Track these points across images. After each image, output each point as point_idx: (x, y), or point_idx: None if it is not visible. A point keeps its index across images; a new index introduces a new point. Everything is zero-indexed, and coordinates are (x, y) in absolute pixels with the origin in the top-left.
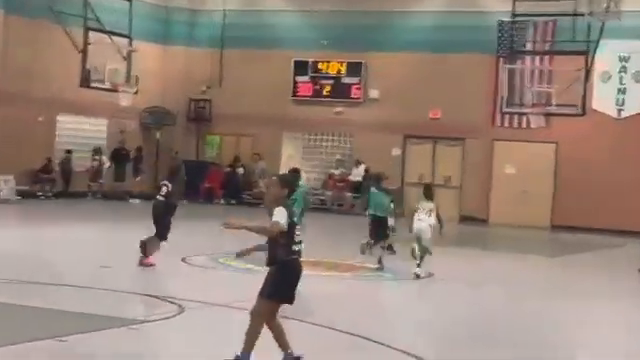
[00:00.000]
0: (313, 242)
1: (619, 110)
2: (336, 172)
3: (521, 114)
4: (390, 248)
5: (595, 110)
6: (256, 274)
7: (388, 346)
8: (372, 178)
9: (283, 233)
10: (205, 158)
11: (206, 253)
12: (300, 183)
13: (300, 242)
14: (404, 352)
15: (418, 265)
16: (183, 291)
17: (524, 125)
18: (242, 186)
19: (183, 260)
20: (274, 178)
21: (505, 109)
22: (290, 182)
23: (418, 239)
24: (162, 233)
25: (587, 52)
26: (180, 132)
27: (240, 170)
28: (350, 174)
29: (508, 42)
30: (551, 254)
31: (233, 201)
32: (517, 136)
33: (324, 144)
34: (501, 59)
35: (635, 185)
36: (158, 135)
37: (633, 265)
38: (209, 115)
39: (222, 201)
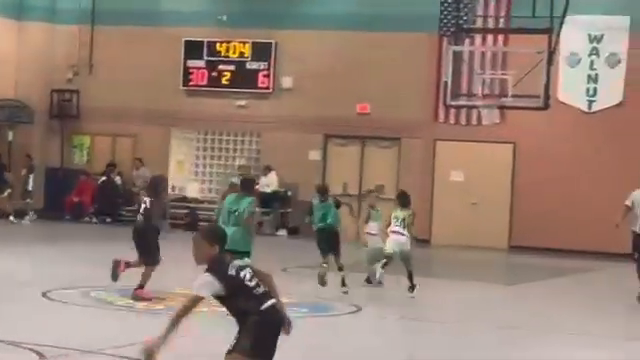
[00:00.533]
0: None
1: (590, 102)
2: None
3: (470, 107)
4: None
5: (561, 102)
6: (138, 313)
7: None
8: (317, 190)
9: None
10: (72, 165)
11: (74, 286)
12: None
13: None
14: None
15: (382, 268)
16: (42, 335)
17: (474, 121)
18: (119, 200)
19: (44, 295)
20: (196, 235)
21: (450, 101)
22: (218, 237)
23: (398, 253)
24: (150, 258)
25: (550, 30)
26: (39, 132)
27: (117, 179)
28: (258, 183)
29: (454, 18)
30: (509, 281)
31: (108, 219)
32: (465, 135)
33: (224, 146)
34: (445, 39)
35: (612, 195)
36: (10, 136)
37: (619, 294)
38: (76, 110)
39: (94, 219)
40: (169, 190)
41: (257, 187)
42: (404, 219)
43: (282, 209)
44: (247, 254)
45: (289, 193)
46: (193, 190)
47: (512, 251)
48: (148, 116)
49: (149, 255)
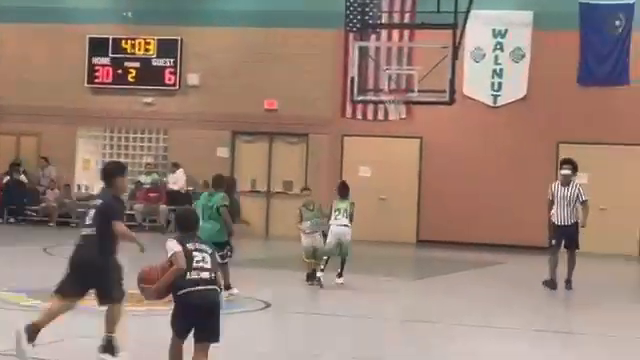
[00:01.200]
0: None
1: (495, 97)
2: (147, 179)
3: (377, 103)
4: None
5: (466, 97)
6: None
7: None
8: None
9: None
10: None
11: None
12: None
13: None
14: None
15: (322, 270)
16: None
17: (380, 116)
18: (25, 199)
19: None
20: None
21: (357, 97)
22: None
23: (338, 245)
24: None
25: (455, 25)
26: None
27: (22, 178)
28: (165, 181)
29: (359, 14)
30: (417, 275)
31: (12, 219)
32: (372, 130)
33: (131, 144)
34: (351, 35)
35: (517, 188)
36: None
37: (525, 286)
38: None
39: None
40: (75, 189)
41: (167, 185)
42: (346, 209)
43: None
44: (225, 244)
45: (197, 191)
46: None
47: (420, 245)
48: (53, 114)
49: None
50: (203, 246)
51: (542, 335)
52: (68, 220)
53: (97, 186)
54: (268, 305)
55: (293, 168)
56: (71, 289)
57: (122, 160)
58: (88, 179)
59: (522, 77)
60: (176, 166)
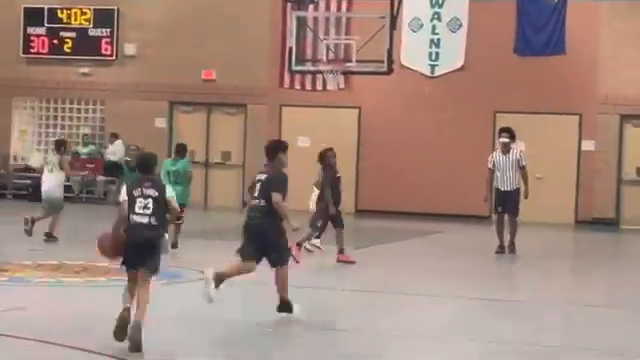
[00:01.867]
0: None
1: (432, 66)
2: (84, 150)
3: (315, 73)
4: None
5: (404, 67)
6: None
7: None
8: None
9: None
10: None
11: None
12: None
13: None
14: None
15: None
16: None
17: (319, 87)
18: None
19: None
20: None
21: (295, 67)
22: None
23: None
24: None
25: None
26: None
27: None
28: (103, 152)
29: None
30: (356, 245)
31: None
32: (311, 100)
33: (67, 114)
34: (289, 4)
35: (456, 157)
36: None
37: (464, 254)
38: None
39: None
40: (11, 160)
41: (105, 156)
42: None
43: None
44: (184, 206)
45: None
46: (37, 160)
47: (359, 215)
48: None
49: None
50: (150, 191)
51: (481, 303)
52: (4, 192)
53: (33, 157)
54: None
55: (231, 139)
56: (248, 253)
57: (59, 131)
58: (24, 150)
59: (459, 47)
60: (115, 137)
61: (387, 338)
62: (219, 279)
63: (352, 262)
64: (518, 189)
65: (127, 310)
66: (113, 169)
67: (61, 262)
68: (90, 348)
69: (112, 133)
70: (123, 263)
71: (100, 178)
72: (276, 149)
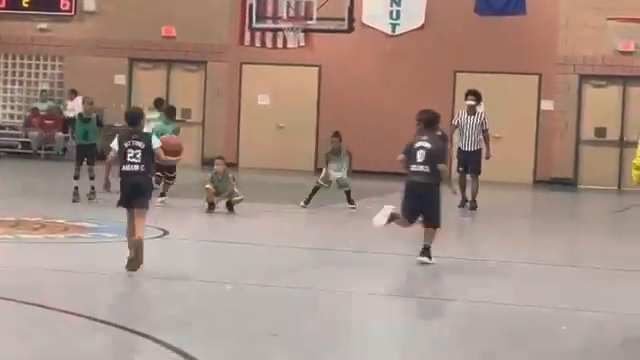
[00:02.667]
0: (13, 197)
1: (393, 25)
2: (42, 106)
3: (275, 31)
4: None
5: (365, 25)
6: None
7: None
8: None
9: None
10: None
11: None
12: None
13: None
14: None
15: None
16: None
17: (279, 44)
18: None
19: None
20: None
21: (255, 24)
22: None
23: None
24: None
25: None
26: None
27: None
28: (62, 108)
29: None
30: (318, 203)
31: None
32: (271, 58)
33: (26, 70)
34: None
35: (414, 116)
36: None
37: None
38: None
39: None
40: None
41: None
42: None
43: None
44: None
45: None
46: None
47: (317, 174)
48: None
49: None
50: (138, 143)
51: (440, 261)
52: None
53: None
54: (166, 233)
55: (192, 96)
56: (406, 210)
57: (17, 87)
58: None
59: (420, 6)
60: (74, 93)
61: (334, 295)
62: (392, 218)
63: None
64: (480, 150)
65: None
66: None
67: (19, 219)
68: (45, 304)
69: (71, 89)
70: (119, 204)
71: (59, 134)
72: (435, 121)
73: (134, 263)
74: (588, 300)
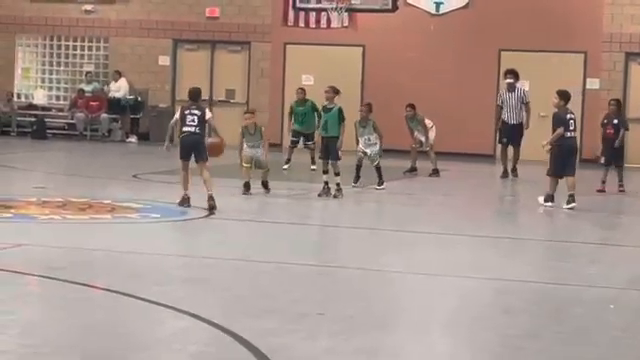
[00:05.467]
0: (60, 178)
1: (437, 4)
2: (87, 88)
3: (319, 10)
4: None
5: (409, 4)
6: None
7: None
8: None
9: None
10: None
11: None
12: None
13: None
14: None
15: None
16: None
17: (323, 24)
18: None
19: None
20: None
21: (299, 4)
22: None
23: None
24: None
25: None
26: None
27: None
28: (107, 90)
29: None
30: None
31: None
32: (315, 38)
33: (71, 52)
34: None
35: (460, 95)
36: None
37: (471, 191)
38: None
39: None
40: (15, 98)
41: (109, 93)
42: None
43: (132, 115)
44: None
45: (139, 99)
46: (40, 98)
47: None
48: None
49: None
50: (195, 111)
51: (484, 240)
52: (8, 129)
53: (37, 95)
54: (212, 211)
55: (235, 77)
56: (559, 169)
57: (62, 69)
58: (27, 88)
59: None
60: (119, 74)
61: (386, 275)
62: (549, 198)
63: None
64: (521, 123)
65: (186, 194)
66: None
67: (66, 199)
68: (90, 283)
69: (116, 71)
70: (181, 157)
71: (104, 116)
72: (570, 98)
73: (210, 208)
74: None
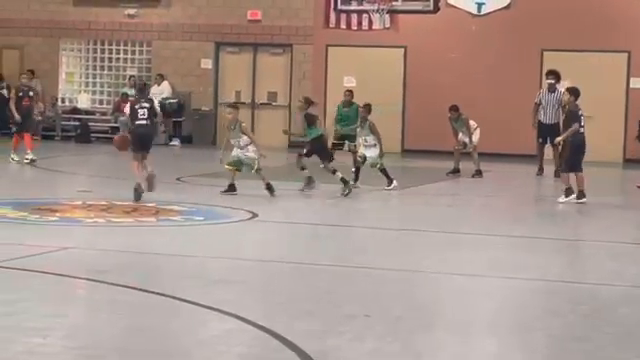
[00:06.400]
0: (104, 181)
1: (479, 5)
2: (130, 92)
3: (361, 12)
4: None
5: (450, 5)
6: (33, 225)
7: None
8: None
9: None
10: None
11: None
12: None
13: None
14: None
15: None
16: None
17: (365, 26)
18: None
19: None
20: None
21: (341, 6)
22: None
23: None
24: None
25: None
26: None
27: (4, 93)
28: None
29: None
30: (403, 184)
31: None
32: (356, 40)
33: (114, 56)
34: None
35: (501, 97)
36: None
37: (513, 192)
38: None
39: None
40: (59, 102)
41: (150, 96)
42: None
43: (175, 118)
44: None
45: (182, 102)
46: (84, 101)
47: (405, 155)
48: (35, 27)
49: None
50: (145, 104)
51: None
52: (52, 133)
53: (81, 99)
54: (255, 215)
55: (278, 79)
56: (578, 164)
57: (105, 73)
58: (71, 92)
59: None
60: (161, 77)
61: (426, 276)
62: (569, 192)
63: None
64: (558, 123)
65: (138, 184)
66: None
67: (111, 202)
68: (134, 285)
69: (159, 74)
70: (135, 150)
71: None
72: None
73: (149, 186)
74: None
